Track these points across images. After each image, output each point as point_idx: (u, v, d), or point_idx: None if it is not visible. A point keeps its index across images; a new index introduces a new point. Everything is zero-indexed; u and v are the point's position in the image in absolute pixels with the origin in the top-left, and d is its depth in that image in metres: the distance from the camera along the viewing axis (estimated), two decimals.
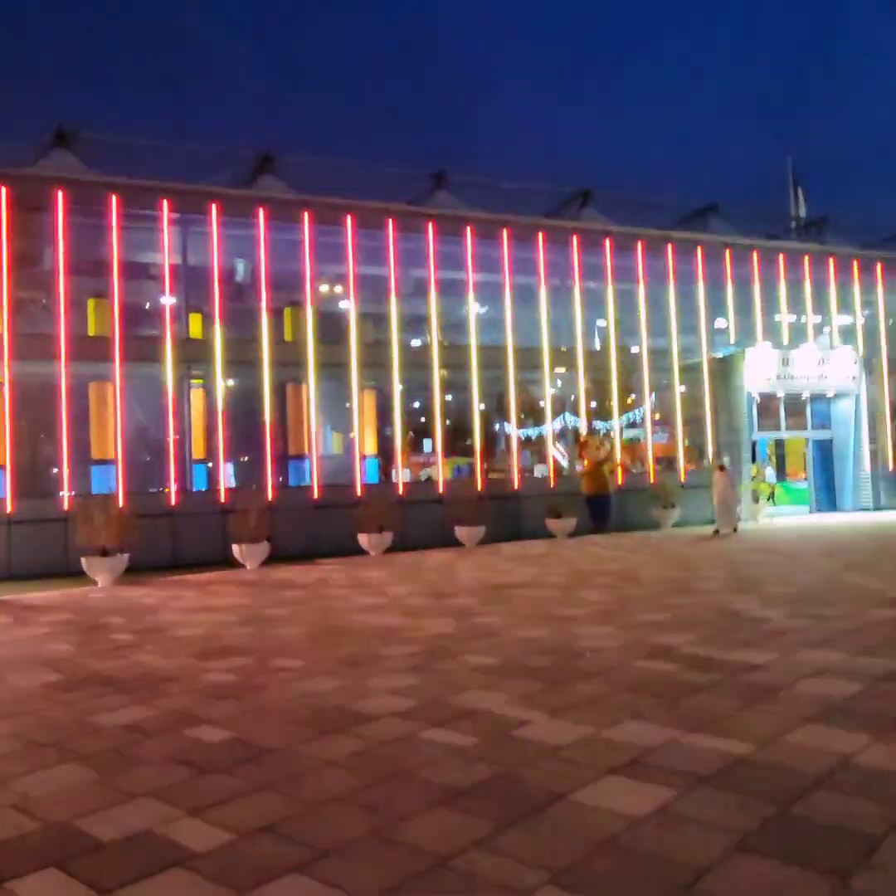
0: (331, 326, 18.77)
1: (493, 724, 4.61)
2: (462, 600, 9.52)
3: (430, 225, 19.08)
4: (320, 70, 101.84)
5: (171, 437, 16.55)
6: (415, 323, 19.83)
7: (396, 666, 6.14)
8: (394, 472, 18.82)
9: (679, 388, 21.62)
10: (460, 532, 16.89)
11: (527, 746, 4.24)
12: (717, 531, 17.34)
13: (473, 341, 19.24)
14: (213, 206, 17.27)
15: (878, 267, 24.58)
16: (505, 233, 19.85)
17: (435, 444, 18.99)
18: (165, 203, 16.93)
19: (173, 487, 16.44)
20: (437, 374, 18.79)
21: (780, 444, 26.56)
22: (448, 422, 19.49)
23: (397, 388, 18.50)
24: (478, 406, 19.44)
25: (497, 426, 21.22)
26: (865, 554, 13.09)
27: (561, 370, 21.00)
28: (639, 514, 19.87)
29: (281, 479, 18.24)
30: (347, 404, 18.59)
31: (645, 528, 19.49)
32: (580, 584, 10.50)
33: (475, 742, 4.32)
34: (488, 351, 19.51)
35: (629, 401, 21.68)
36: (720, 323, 22.85)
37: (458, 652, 6.56)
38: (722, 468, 17.92)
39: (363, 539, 15.81)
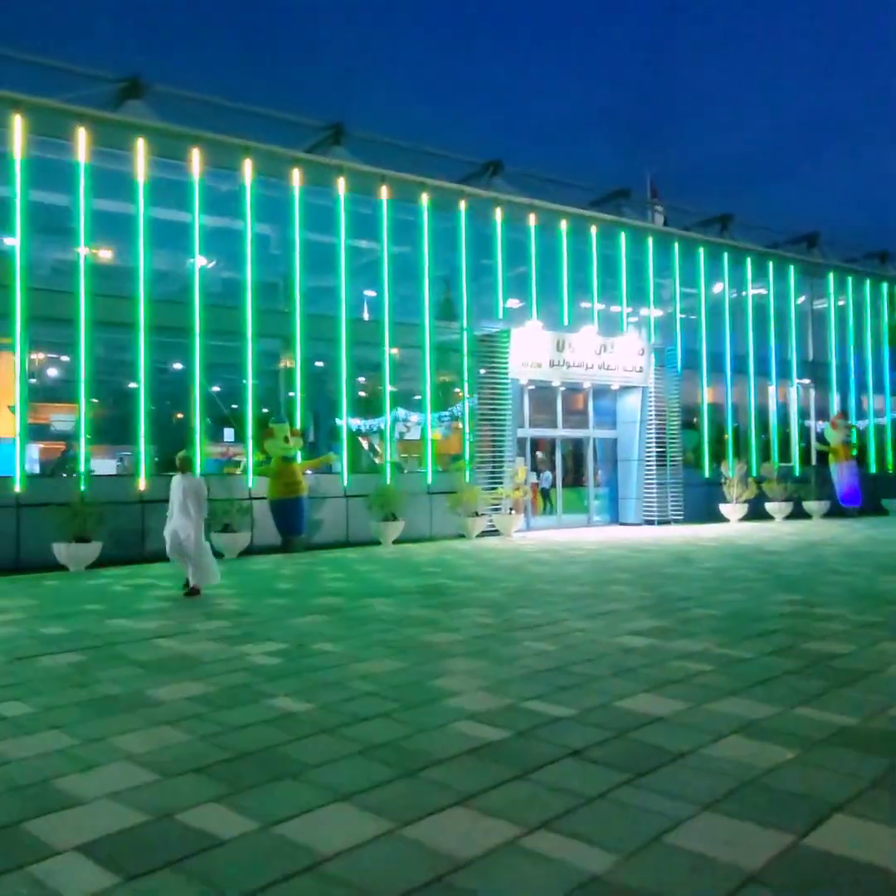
0: None
1: None
2: None
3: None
4: None
5: None
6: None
7: None
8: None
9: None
10: None
11: None
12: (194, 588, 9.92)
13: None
14: None
15: (676, 245, 21.62)
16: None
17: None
18: None
19: None
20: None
21: (579, 443, 22.98)
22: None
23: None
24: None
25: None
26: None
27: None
28: (359, 525, 15.76)
29: None
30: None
31: (364, 545, 15.37)
32: None
33: None
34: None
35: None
36: (513, 302, 18.96)
37: None
38: (184, 469, 10.16)
39: None
